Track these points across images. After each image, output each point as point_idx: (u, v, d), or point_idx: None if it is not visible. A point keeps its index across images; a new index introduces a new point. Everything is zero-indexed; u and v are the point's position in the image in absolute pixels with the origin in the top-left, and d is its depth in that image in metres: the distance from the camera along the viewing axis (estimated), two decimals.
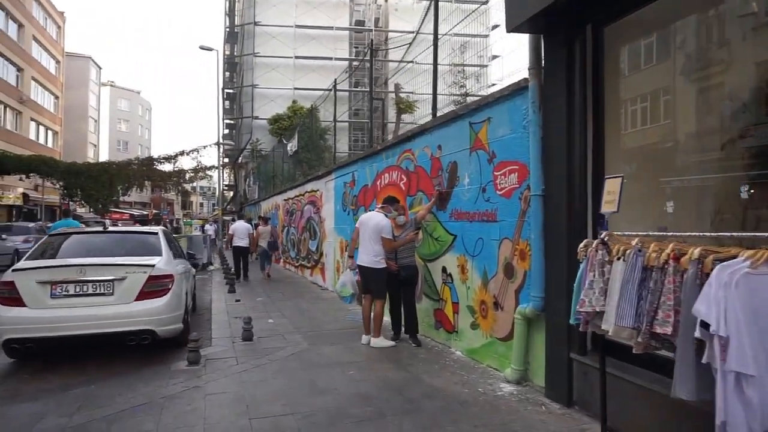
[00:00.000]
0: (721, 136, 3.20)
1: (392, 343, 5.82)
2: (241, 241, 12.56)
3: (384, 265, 5.77)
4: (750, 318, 1.97)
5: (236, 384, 4.50)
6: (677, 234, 2.52)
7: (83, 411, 3.89)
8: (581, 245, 3.00)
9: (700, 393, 2.20)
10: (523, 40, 4.87)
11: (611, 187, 2.96)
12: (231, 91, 38.66)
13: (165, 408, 3.93)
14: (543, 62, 4.19)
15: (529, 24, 4.03)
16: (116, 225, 20.96)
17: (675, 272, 2.31)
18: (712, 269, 2.13)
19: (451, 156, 5.65)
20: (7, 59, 28.43)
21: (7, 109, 28.62)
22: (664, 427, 3.01)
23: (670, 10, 3.50)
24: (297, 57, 30.80)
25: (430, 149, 6.13)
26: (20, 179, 24.73)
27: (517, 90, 4.52)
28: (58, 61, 37.17)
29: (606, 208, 2.95)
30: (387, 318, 6.23)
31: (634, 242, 2.54)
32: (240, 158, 33.63)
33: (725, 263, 2.07)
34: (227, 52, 37.86)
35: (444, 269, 5.80)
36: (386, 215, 5.91)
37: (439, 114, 6.32)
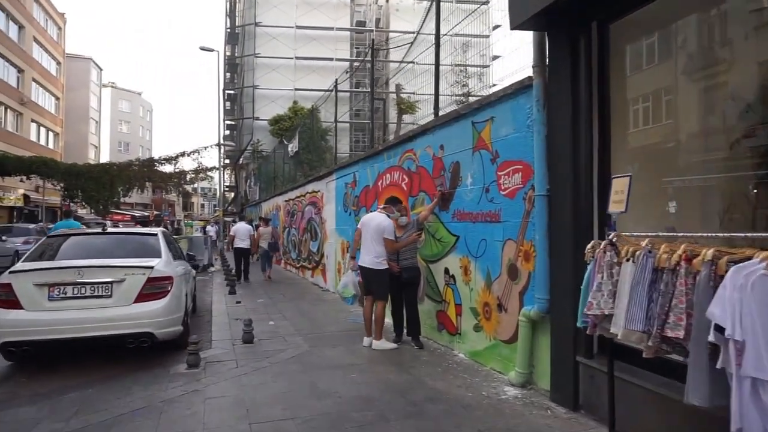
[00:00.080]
0: (728, 135, 3.13)
1: (394, 345, 5.75)
2: (243, 243, 12.57)
3: (385, 266, 5.70)
4: (767, 321, 1.90)
5: (236, 387, 4.43)
6: (688, 234, 2.45)
7: (80, 416, 3.82)
8: (588, 246, 2.93)
9: (714, 399, 2.13)
10: (525, 39, 4.83)
11: (619, 186, 2.90)
12: (232, 92, 38.63)
13: (164, 412, 3.86)
14: (547, 60, 4.13)
15: (533, 21, 3.96)
16: (117, 226, 20.94)
17: (687, 274, 2.24)
18: (726, 271, 2.06)
19: (453, 156, 5.59)
20: (8, 60, 28.41)
21: (8, 110, 28.60)
22: None
23: (677, 8, 3.43)
24: (298, 58, 30.76)
25: (432, 149, 6.07)
26: (21, 180, 24.70)
27: (520, 88, 4.45)
28: (59, 63, 37.16)
29: (614, 208, 2.89)
30: (389, 320, 6.16)
31: (643, 243, 2.46)
32: (241, 159, 33.59)
33: (740, 265, 2.00)
34: (228, 53, 37.83)
35: (446, 270, 5.73)
36: (388, 216, 5.84)
37: (441, 114, 6.26)
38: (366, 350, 5.67)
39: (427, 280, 6.18)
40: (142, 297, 5.08)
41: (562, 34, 3.94)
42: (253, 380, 4.62)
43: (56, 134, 36.32)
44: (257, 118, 30.58)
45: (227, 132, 39.16)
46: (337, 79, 12.06)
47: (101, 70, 51.67)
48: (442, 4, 6.75)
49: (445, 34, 7.27)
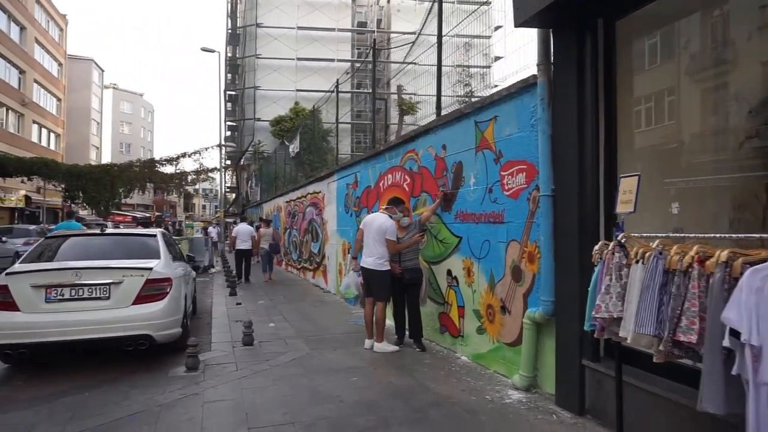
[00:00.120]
0: (738, 135, 3.04)
1: (396, 348, 5.68)
2: (244, 244, 12.56)
3: (387, 268, 5.63)
4: None
5: (236, 391, 4.36)
6: (699, 235, 2.37)
7: (76, 420, 3.75)
8: (596, 247, 2.86)
9: (729, 406, 2.05)
10: (525, 38, 4.78)
11: (627, 186, 2.82)
12: (233, 92, 38.58)
13: (161, 417, 3.79)
14: (552, 58, 4.05)
15: (538, 18, 3.89)
16: (118, 227, 20.89)
17: (700, 276, 2.16)
18: (741, 273, 1.98)
19: (456, 156, 5.51)
20: (10, 62, 28.42)
21: (9, 111, 28.60)
22: None
23: (685, 4, 3.36)
24: (299, 59, 30.71)
25: (435, 149, 5.99)
26: (22, 181, 24.68)
27: (524, 87, 4.38)
28: (60, 64, 37.19)
29: (622, 208, 2.81)
30: (390, 322, 6.09)
31: (654, 244, 2.39)
32: (242, 160, 33.54)
33: (757, 267, 1.93)
34: (229, 54, 37.81)
35: (449, 272, 5.66)
36: (391, 217, 5.77)
37: (443, 113, 6.18)
38: (368, 353, 5.60)
39: (429, 281, 6.10)
40: (141, 299, 5.01)
41: (568, 32, 3.87)
42: (253, 383, 4.55)
43: (58, 135, 36.33)
44: (258, 119, 30.53)
45: (228, 133, 39.14)
46: (338, 80, 12.00)
47: (103, 71, 51.75)
48: (443, 4, 6.68)
49: (446, 34, 7.20)
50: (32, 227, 18.70)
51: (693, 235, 2.39)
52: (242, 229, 12.93)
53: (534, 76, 4.20)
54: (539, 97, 4.04)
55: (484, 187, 4.97)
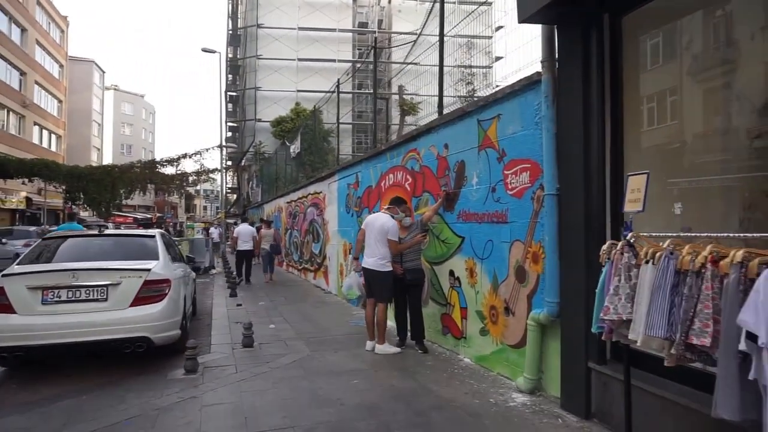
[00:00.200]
0: (746, 134, 2.96)
1: (398, 349, 5.60)
2: (245, 244, 12.53)
3: (390, 269, 5.55)
4: None
5: (235, 394, 4.28)
6: (712, 235, 2.29)
7: (71, 425, 3.68)
8: (604, 247, 2.78)
9: (744, 412, 1.97)
10: (527, 37, 4.72)
11: (635, 184, 2.74)
12: (234, 93, 38.55)
13: (158, 421, 3.72)
14: (557, 55, 3.98)
15: (542, 14, 3.82)
16: (119, 228, 20.83)
17: (713, 277, 2.08)
18: (758, 274, 1.90)
19: (458, 155, 5.44)
20: (11, 63, 28.39)
21: (10, 113, 28.57)
22: None
23: None
24: (300, 59, 30.65)
25: (437, 148, 5.92)
26: (23, 183, 24.62)
27: (528, 85, 4.30)
28: (61, 65, 37.18)
29: (630, 207, 2.73)
30: (392, 323, 6.01)
31: (665, 244, 2.30)
32: (243, 161, 33.50)
33: None
34: (230, 55, 37.79)
35: (451, 272, 5.57)
36: (393, 217, 5.69)
37: (444, 112, 6.11)
38: (369, 355, 5.52)
39: (431, 282, 6.03)
40: (139, 300, 4.93)
41: (573, 28, 3.79)
42: (252, 386, 4.48)
43: (59, 137, 36.31)
44: (259, 120, 30.49)
45: (229, 134, 39.09)
46: (339, 79, 11.93)
47: (104, 72, 51.76)
48: (444, 4, 6.59)
49: (448, 33, 7.13)
50: (32, 228, 18.66)
51: (705, 234, 2.31)
52: (243, 229, 12.88)
53: (538, 73, 4.13)
54: (543, 95, 3.96)
55: (487, 186, 4.90)
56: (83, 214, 29.09)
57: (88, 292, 4.80)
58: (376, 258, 5.53)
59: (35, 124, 31.83)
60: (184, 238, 17.76)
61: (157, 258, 5.55)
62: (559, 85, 3.92)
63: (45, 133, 33.81)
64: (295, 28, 30.80)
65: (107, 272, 4.93)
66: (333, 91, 12.20)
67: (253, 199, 28.65)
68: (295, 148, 16.45)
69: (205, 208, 78.72)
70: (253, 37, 31.61)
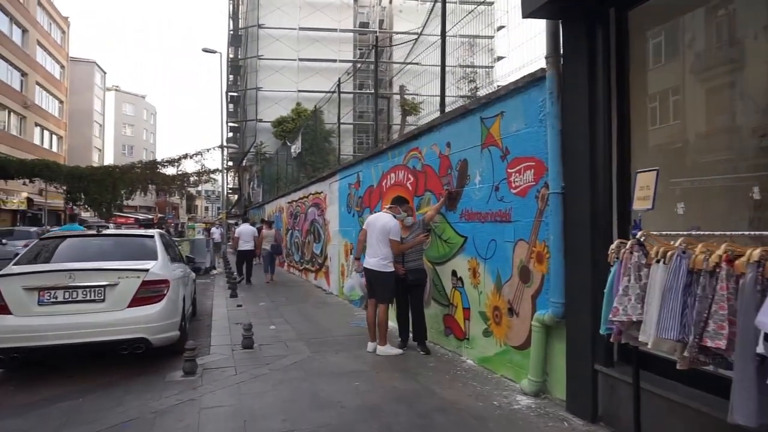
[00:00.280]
0: (758, 132, 2.87)
1: (399, 351, 5.52)
2: (247, 244, 12.51)
3: (391, 269, 5.47)
4: None
5: (234, 396, 4.21)
6: (726, 233, 2.21)
7: (68, 427, 3.61)
8: (613, 246, 2.70)
9: (761, 417, 1.90)
10: (529, 34, 4.65)
11: (644, 181, 2.66)
12: (235, 94, 38.51)
13: (156, 424, 3.65)
14: (561, 50, 3.90)
15: (547, 9, 3.74)
16: (120, 229, 20.76)
17: (728, 277, 2.00)
18: None
19: (460, 153, 5.36)
20: (12, 64, 28.36)
21: (12, 113, 28.54)
22: None
23: None
24: (301, 59, 30.61)
25: (439, 147, 5.84)
26: (24, 183, 24.59)
27: (532, 81, 4.23)
28: (62, 66, 37.16)
29: (639, 205, 2.65)
30: (393, 324, 5.93)
31: (677, 243, 2.23)
32: (244, 161, 33.45)
33: None
34: (231, 55, 37.75)
35: (454, 273, 5.50)
36: (395, 216, 5.61)
37: (447, 110, 6.03)
38: (370, 356, 5.45)
39: (433, 282, 5.95)
40: (137, 301, 4.86)
41: (578, 23, 3.71)
42: (252, 388, 4.40)
43: (60, 137, 36.28)
44: (260, 120, 30.44)
45: (230, 134, 39.03)
46: (340, 78, 11.86)
47: (105, 73, 51.79)
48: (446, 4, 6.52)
49: (450, 30, 7.05)
50: (33, 229, 18.61)
51: (719, 232, 2.23)
52: (245, 229, 12.85)
53: (542, 69, 4.05)
54: (548, 91, 3.89)
55: (490, 185, 4.82)
56: (84, 214, 29.07)
57: (85, 292, 4.73)
58: (378, 258, 5.46)
59: (36, 124, 31.80)
60: (185, 238, 17.66)
61: (155, 258, 5.48)
62: (564, 81, 3.84)
63: (46, 133, 33.78)
64: (296, 29, 30.75)
65: (104, 272, 4.87)
66: (334, 91, 12.13)
67: (255, 199, 28.60)
68: (296, 148, 16.38)
69: (206, 208, 78.70)
70: (253, 38, 31.57)
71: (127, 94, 59.04)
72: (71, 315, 4.64)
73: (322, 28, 30.87)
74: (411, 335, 5.72)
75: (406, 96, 18.52)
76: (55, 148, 34.96)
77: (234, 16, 37.70)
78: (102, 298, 4.77)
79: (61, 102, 36.55)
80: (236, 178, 39.61)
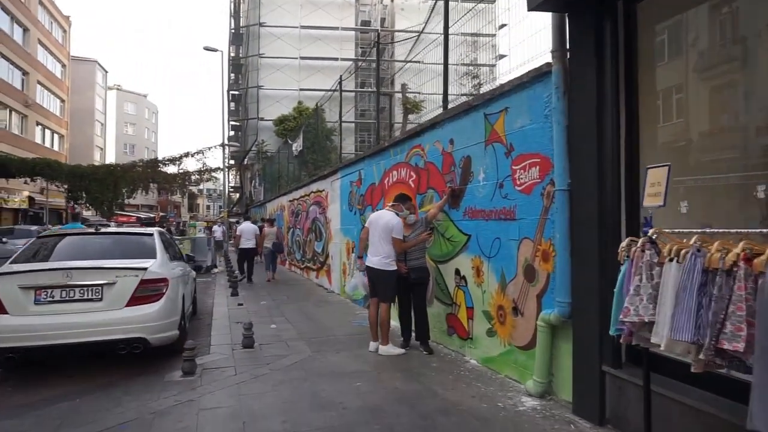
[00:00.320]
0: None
1: (402, 350, 5.44)
2: (248, 242, 12.47)
3: (394, 268, 5.39)
4: None
5: (233, 397, 4.14)
6: (742, 231, 2.13)
7: (64, 429, 3.54)
8: (623, 244, 2.61)
9: None
10: (530, 31, 4.57)
11: (655, 177, 2.58)
12: (236, 92, 38.49)
13: (153, 425, 3.58)
14: (568, 44, 3.81)
15: (553, 2, 3.67)
16: (121, 227, 20.69)
17: (746, 276, 1.92)
18: None
19: (464, 150, 5.27)
20: (13, 63, 28.32)
21: (13, 112, 28.51)
22: None
23: None
24: (302, 58, 30.55)
25: (442, 144, 5.76)
26: (25, 182, 24.58)
27: (537, 76, 4.14)
28: (64, 65, 37.13)
29: (650, 202, 2.57)
30: (396, 323, 5.85)
31: (691, 240, 2.14)
32: (245, 160, 33.41)
33: None
34: (232, 54, 37.71)
35: (457, 271, 5.41)
36: (397, 214, 5.53)
37: (450, 107, 5.94)
38: (372, 356, 5.37)
39: (436, 281, 5.87)
40: (135, 300, 4.79)
41: (585, 16, 3.62)
42: (251, 389, 4.33)
43: (61, 136, 36.27)
44: (262, 119, 30.40)
45: (232, 133, 39.01)
46: (341, 76, 11.77)
47: (106, 72, 51.76)
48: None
49: (452, 26, 6.96)
50: (34, 228, 18.55)
51: (734, 230, 2.14)
52: (246, 227, 12.82)
53: (548, 64, 3.96)
54: (554, 86, 3.80)
55: (494, 182, 4.73)
56: (86, 213, 29.03)
57: (82, 291, 4.66)
58: (381, 257, 5.38)
59: (38, 123, 31.77)
60: (186, 237, 17.61)
61: (154, 256, 5.40)
62: (570, 75, 3.75)
63: (48, 132, 33.76)
64: (297, 27, 30.70)
65: (102, 271, 4.80)
66: (335, 90, 12.05)
67: (256, 197, 28.57)
68: (297, 145, 16.31)
69: (208, 207, 78.64)
70: (255, 36, 31.52)
71: (129, 93, 58.99)
72: (68, 314, 4.57)
73: (323, 26, 30.82)
74: (413, 334, 5.65)
75: (408, 94, 18.43)
76: (56, 147, 34.94)
77: (235, 14, 37.66)
78: (99, 297, 4.70)
79: (62, 101, 36.52)
80: (238, 177, 39.57)
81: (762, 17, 2.80)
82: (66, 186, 23.95)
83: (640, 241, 2.43)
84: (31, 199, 28.69)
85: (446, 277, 5.67)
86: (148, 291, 4.86)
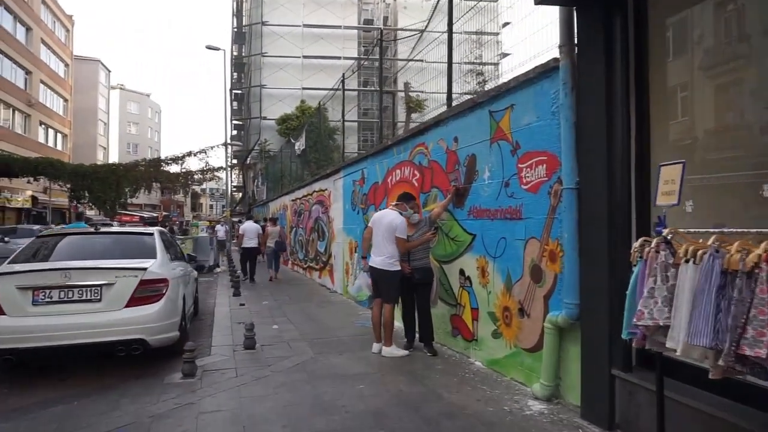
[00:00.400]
0: None
1: (405, 352, 5.36)
2: (251, 242, 12.42)
3: (398, 268, 5.30)
4: None
5: (234, 400, 4.06)
6: (763, 231, 2.03)
7: None
8: (636, 244, 2.51)
9: None
10: (532, 29, 4.48)
11: (669, 175, 2.48)
12: (239, 91, 38.46)
13: (151, 429, 3.51)
14: (576, 39, 3.71)
15: None
16: (124, 227, 20.68)
17: None
18: None
19: (468, 148, 5.18)
20: (16, 62, 28.34)
21: (16, 112, 28.54)
22: None
23: None
24: (305, 56, 30.48)
25: (446, 142, 5.66)
26: (28, 182, 24.58)
27: (543, 72, 4.04)
28: (67, 65, 37.14)
29: (663, 200, 2.47)
30: (399, 324, 5.77)
31: (709, 241, 2.04)
32: (248, 159, 33.38)
33: None
34: (235, 53, 37.68)
35: (462, 272, 5.32)
36: (401, 213, 5.44)
37: (454, 104, 5.85)
38: (375, 357, 5.29)
39: (440, 281, 5.77)
40: (135, 301, 4.71)
41: (593, 9, 3.52)
42: (252, 391, 4.26)
43: (64, 136, 36.30)
44: (264, 118, 30.35)
45: (234, 132, 39.02)
46: (344, 74, 11.68)
47: (109, 72, 51.81)
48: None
49: (455, 24, 6.87)
50: (36, 227, 18.54)
51: (755, 230, 2.04)
52: (249, 227, 12.78)
53: (555, 59, 3.86)
54: (562, 81, 3.70)
55: (499, 180, 4.64)
56: (89, 212, 29.01)
57: (81, 292, 4.59)
58: (384, 257, 5.29)
59: (41, 123, 31.80)
60: (188, 236, 17.56)
61: (154, 256, 5.33)
62: (578, 71, 3.65)
63: (51, 132, 33.79)
64: (300, 26, 30.63)
65: (101, 271, 4.72)
66: (338, 89, 11.96)
67: (259, 197, 28.53)
68: (299, 144, 16.24)
69: (211, 206, 78.79)
70: (257, 35, 31.47)
71: (132, 93, 59.04)
72: (67, 315, 4.50)
73: (326, 25, 30.74)
74: (417, 336, 5.56)
75: (410, 93, 18.32)
76: (59, 147, 34.98)
77: (238, 13, 37.64)
78: (98, 297, 4.63)
79: (65, 100, 36.55)
80: (241, 176, 39.56)
81: None
82: (69, 185, 23.94)
83: (654, 241, 2.34)
84: (34, 198, 28.73)
85: (450, 277, 5.58)
86: (147, 291, 4.79)
